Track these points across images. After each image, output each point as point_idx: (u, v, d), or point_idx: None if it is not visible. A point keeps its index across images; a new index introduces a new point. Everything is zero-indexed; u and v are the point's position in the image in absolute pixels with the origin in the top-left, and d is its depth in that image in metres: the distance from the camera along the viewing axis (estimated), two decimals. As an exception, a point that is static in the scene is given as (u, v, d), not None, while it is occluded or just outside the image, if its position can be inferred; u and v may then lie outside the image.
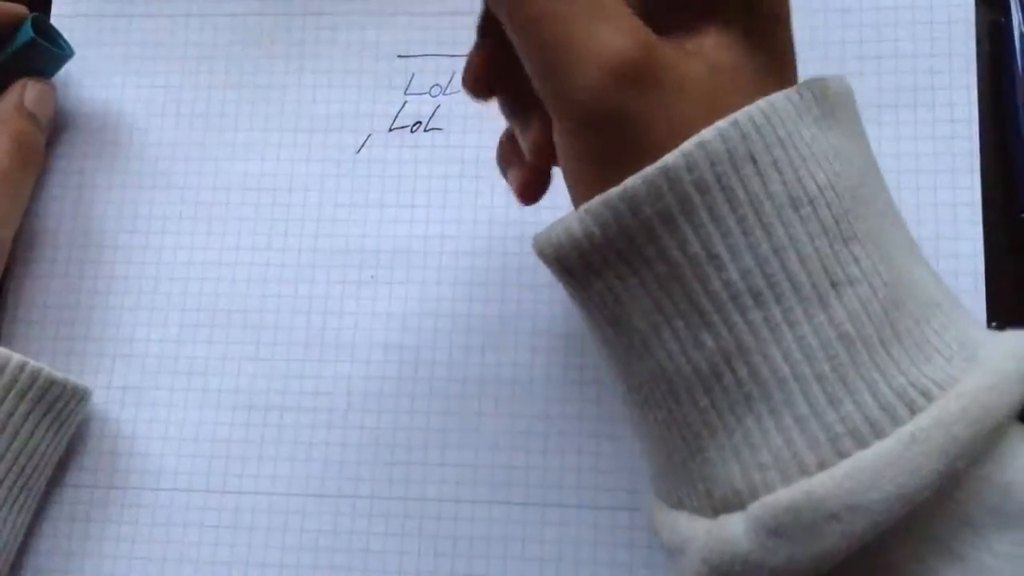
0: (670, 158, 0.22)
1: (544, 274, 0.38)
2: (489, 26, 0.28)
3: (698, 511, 0.24)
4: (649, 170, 0.22)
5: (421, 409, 0.37)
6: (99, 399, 0.38)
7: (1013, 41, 0.37)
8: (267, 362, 0.38)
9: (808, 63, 0.38)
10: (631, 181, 0.22)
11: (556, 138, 0.24)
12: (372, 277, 0.39)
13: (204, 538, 0.37)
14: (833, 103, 0.24)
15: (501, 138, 0.31)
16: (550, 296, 0.38)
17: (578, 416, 0.37)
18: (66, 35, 0.40)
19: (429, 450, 0.37)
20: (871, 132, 0.37)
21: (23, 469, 0.35)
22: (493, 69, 0.28)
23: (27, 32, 0.39)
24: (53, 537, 0.37)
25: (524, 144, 0.29)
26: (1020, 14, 0.37)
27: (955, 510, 0.22)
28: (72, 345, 0.39)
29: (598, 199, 0.23)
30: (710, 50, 0.24)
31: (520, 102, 0.29)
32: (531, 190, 0.30)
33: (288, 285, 0.39)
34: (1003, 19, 0.38)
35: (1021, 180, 0.36)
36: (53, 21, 0.43)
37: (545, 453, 0.36)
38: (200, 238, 0.40)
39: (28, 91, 0.39)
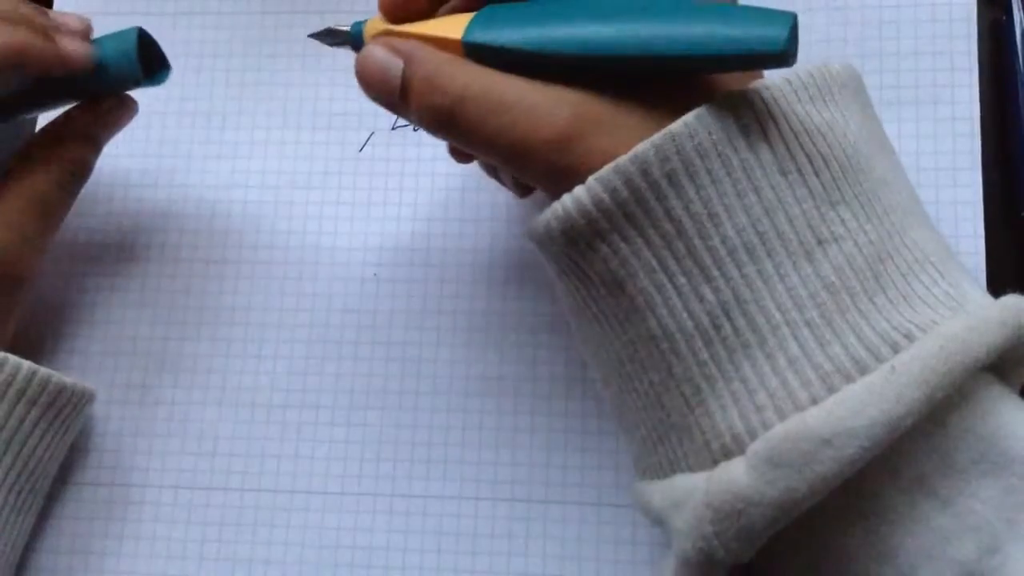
0: (675, 126, 0.24)
1: (545, 273, 0.38)
2: None
3: (696, 467, 0.25)
4: (656, 137, 0.24)
5: (423, 407, 0.37)
6: (101, 397, 0.38)
7: (1014, 40, 0.37)
8: (269, 360, 0.39)
9: (809, 62, 0.38)
10: (641, 147, 0.24)
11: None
12: (374, 275, 0.39)
13: (207, 535, 0.37)
14: (832, 84, 0.26)
15: None
16: (551, 295, 0.38)
17: (580, 413, 0.37)
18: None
19: (431, 448, 0.37)
20: (872, 131, 0.37)
21: (32, 473, 0.35)
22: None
23: (133, 68, 0.35)
24: (56, 535, 0.37)
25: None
26: (1021, 12, 0.37)
27: (943, 457, 0.23)
28: (74, 343, 0.39)
29: (607, 167, 0.25)
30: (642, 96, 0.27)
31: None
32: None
33: (290, 283, 0.39)
34: (1004, 17, 0.38)
35: (1022, 179, 0.36)
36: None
37: (547, 450, 0.36)
38: (202, 236, 0.40)
39: (98, 115, 0.37)
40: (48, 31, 0.34)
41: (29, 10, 0.35)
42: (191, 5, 0.42)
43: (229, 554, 0.37)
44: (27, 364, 0.34)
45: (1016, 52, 0.37)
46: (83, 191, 0.39)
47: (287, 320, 0.39)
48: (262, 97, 0.41)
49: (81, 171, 0.37)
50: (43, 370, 0.35)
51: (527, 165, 0.27)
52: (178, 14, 0.42)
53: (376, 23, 0.31)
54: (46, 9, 0.36)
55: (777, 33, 0.24)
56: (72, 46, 0.35)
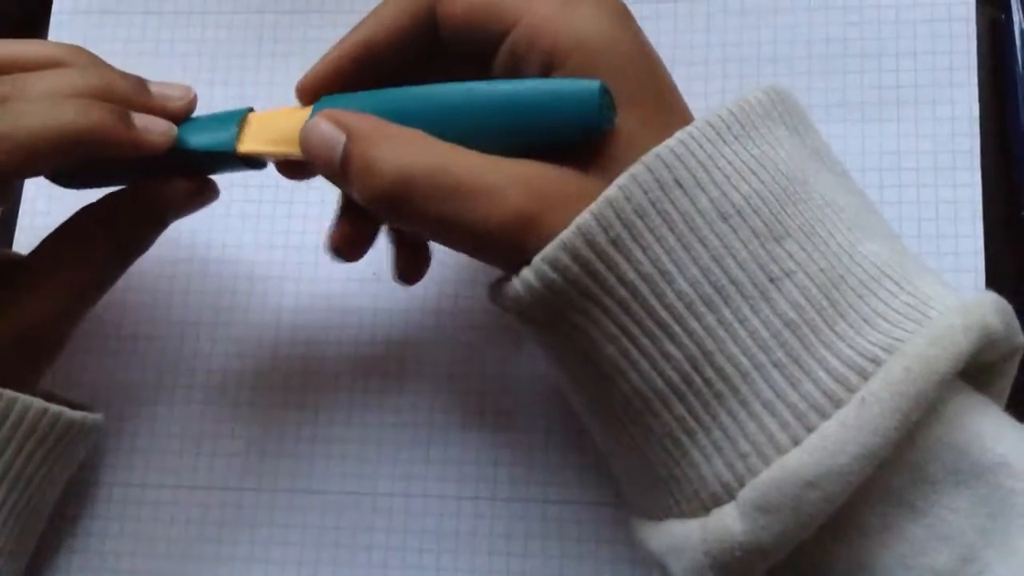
0: (610, 191, 0.24)
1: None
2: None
3: (689, 514, 0.25)
4: (595, 206, 0.24)
5: (423, 407, 0.37)
6: (101, 397, 0.38)
7: (1014, 39, 0.37)
8: (269, 360, 0.39)
9: (809, 61, 0.38)
10: (582, 218, 0.25)
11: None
12: (374, 275, 0.39)
13: (207, 535, 0.37)
14: (753, 117, 0.26)
15: (342, 231, 0.33)
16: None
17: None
18: (66, 31, 0.40)
19: (431, 447, 0.37)
20: (872, 130, 0.38)
21: (36, 507, 0.34)
22: (357, 235, 0.32)
23: (229, 141, 0.32)
24: (57, 535, 0.37)
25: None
26: (1021, 12, 0.37)
27: (914, 470, 0.24)
28: (74, 343, 0.39)
29: (553, 245, 0.25)
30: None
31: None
32: (419, 273, 0.35)
33: (289, 283, 0.39)
34: (1003, 16, 0.38)
35: (1022, 179, 0.36)
36: (53, 19, 0.43)
37: (547, 450, 0.37)
38: (201, 235, 0.40)
39: (172, 195, 0.33)
40: (132, 106, 0.31)
41: (126, 86, 0.32)
42: (191, 5, 0.42)
43: (229, 554, 0.37)
44: (37, 402, 0.32)
45: (1016, 52, 0.37)
46: (81, 192, 0.39)
47: (287, 320, 0.39)
48: (261, 97, 0.41)
49: (138, 248, 0.34)
50: (52, 408, 0.33)
51: (484, 250, 0.26)
52: (178, 13, 0.42)
53: (252, 122, 0.31)
54: (146, 80, 0.33)
55: (590, 98, 0.25)
56: (150, 132, 0.31)
